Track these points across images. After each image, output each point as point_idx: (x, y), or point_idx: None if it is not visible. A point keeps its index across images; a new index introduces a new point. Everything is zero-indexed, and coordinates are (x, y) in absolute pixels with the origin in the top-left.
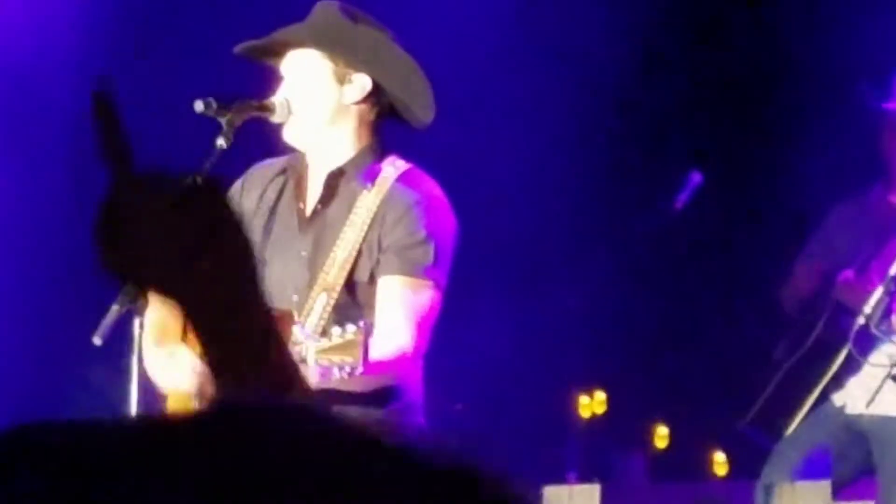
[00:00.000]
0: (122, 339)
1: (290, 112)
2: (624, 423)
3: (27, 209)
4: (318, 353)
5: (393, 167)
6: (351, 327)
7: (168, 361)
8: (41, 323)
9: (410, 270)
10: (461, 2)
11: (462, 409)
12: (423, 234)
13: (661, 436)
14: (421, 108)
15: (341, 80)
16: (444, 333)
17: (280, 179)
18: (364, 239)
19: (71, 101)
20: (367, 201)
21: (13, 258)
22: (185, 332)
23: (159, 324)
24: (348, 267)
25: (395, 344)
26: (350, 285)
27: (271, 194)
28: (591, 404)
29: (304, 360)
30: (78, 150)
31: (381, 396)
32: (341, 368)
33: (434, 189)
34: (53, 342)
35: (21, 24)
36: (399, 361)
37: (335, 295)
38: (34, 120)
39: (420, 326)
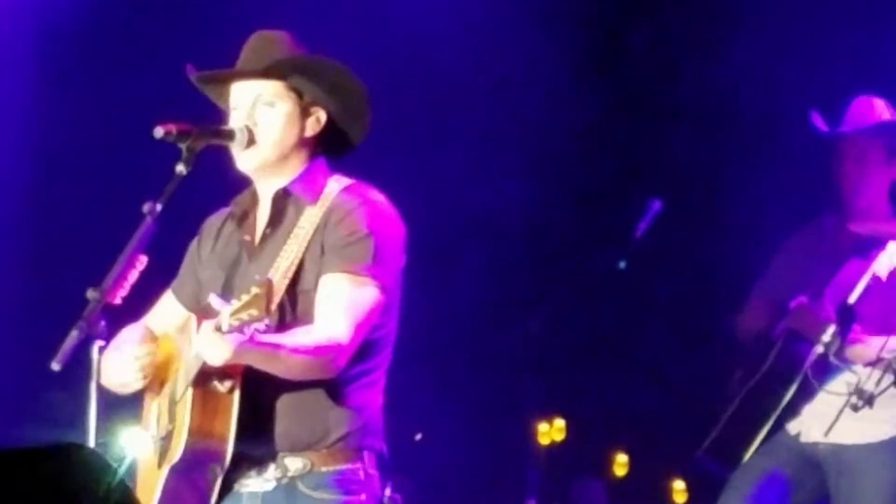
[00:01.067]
0: (80, 364)
1: (250, 141)
2: (583, 451)
3: None
4: (230, 315)
5: (337, 183)
6: (255, 284)
7: (112, 357)
8: None
9: (349, 267)
10: (424, 33)
11: (422, 438)
12: (362, 232)
13: (621, 463)
14: (359, 136)
15: (304, 114)
16: (405, 359)
17: (230, 222)
18: (307, 248)
19: (33, 119)
20: (312, 215)
21: None
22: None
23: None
24: (290, 275)
25: (327, 333)
26: (292, 295)
27: (224, 235)
28: (551, 431)
29: (219, 329)
30: (36, 172)
31: (338, 415)
32: (250, 324)
33: (378, 195)
34: (11, 368)
35: None
36: (329, 349)
37: (276, 301)
38: None
39: (358, 321)
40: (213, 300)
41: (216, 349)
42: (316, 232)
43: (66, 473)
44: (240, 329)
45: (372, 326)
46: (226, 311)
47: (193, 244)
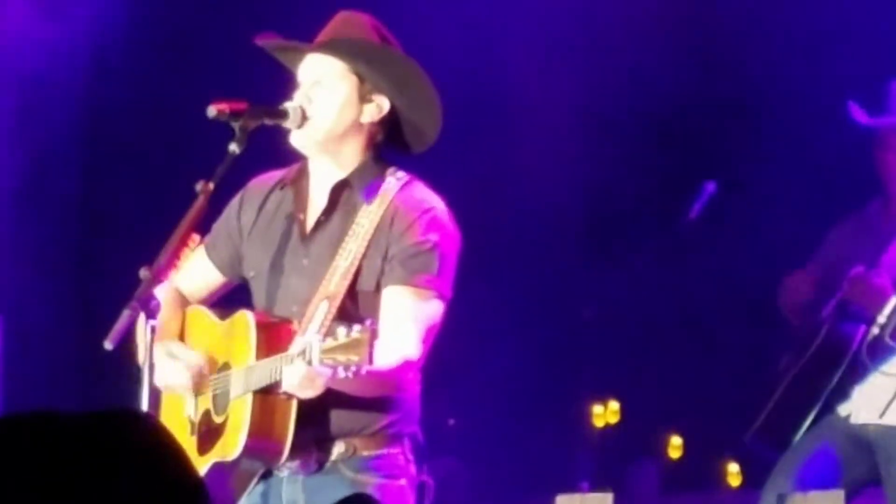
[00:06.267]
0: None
1: (304, 118)
2: (637, 433)
3: (38, 212)
4: (324, 352)
5: (395, 178)
6: (357, 327)
7: (165, 360)
8: (52, 327)
9: (415, 280)
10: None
11: (454, 424)
12: (428, 244)
13: (675, 446)
14: (428, 139)
15: (363, 99)
16: (458, 344)
17: (279, 192)
18: (367, 249)
19: (84, 103)
20: (370, 212)
21: (22, 262)
22: (182, 332)
23: (159, 322)
24: (350, 276)
25: (401, 353)
26: (352, 295)
27: (271, 207)
28: (605, 414)
29: (309, 362)
30: (89, 153)
31: (382, 405)
32: (347, 368)
33: (438, 201)
34: (64, 347)
35: (34, 27)
36: (403, 370)
37: (337, 303)
38: (46, 122)
39: (425, 335)
40: (299, 338)
41: (307, 389)
42: (377, 231)
43: (117, 441)
44: (331, 367)
45: (434, 337)
46: (317, 347)
47: (234, 207)
